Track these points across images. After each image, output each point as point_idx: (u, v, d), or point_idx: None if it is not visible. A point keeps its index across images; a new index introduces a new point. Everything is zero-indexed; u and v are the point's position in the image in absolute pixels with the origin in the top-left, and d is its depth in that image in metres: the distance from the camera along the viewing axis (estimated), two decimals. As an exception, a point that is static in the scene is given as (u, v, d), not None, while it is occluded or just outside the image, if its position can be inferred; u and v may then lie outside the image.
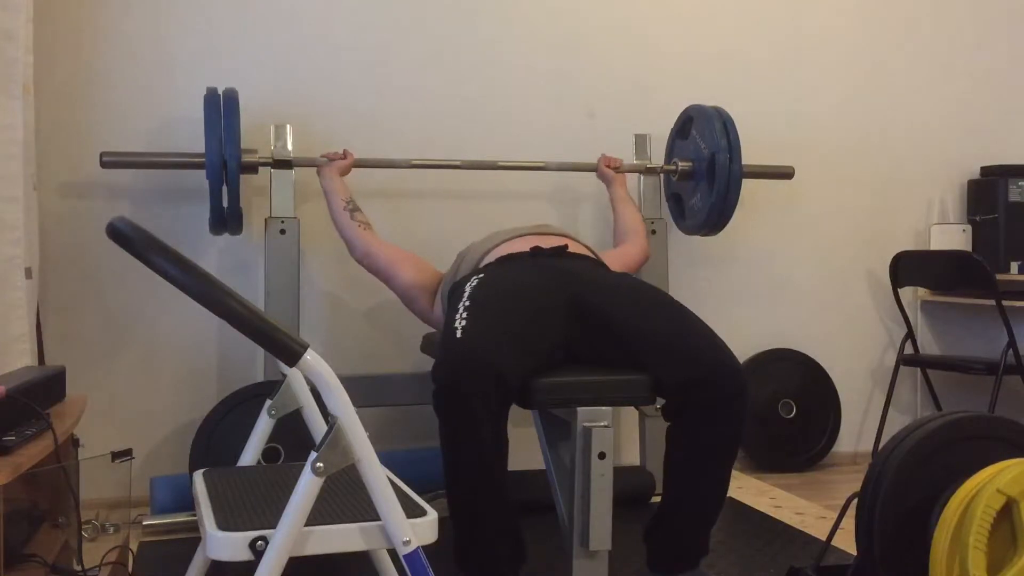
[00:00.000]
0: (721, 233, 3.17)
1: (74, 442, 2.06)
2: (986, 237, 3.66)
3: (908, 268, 3.48)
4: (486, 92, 3.30)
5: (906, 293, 3.64)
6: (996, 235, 3.63)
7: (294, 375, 1.81)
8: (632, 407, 3.11)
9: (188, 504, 2.61)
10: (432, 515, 1.42)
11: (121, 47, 3.00)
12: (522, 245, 2.37)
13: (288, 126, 2.90)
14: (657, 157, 3.26)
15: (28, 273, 2.44)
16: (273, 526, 1.34)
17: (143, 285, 2.96)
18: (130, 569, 2.20)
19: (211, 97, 2.72)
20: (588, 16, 3.40)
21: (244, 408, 2.61)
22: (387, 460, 1.46)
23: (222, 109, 2.69)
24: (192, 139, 2.85)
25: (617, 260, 2.70)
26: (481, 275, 2.20)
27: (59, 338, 2.90)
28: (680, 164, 3.15)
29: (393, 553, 1.45)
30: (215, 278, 1.31)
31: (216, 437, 2.63)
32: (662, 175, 3.23)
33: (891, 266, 3.49)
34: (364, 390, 2.76)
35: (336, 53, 3.17)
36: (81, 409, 2.11)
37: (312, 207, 3.00)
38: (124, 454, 2.09)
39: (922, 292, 3.74)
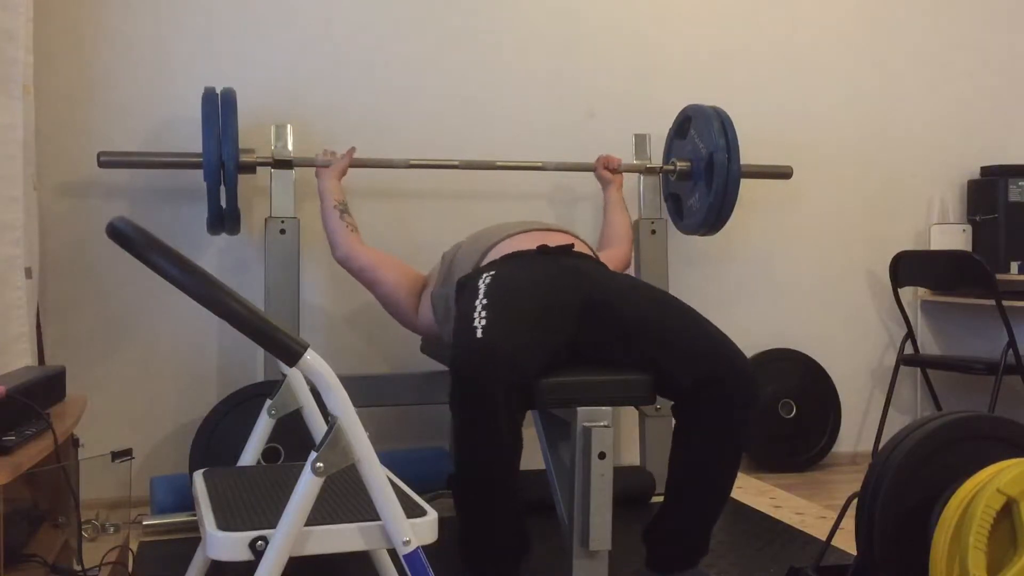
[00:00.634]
0: (720, 233, 3.17)
1: (74, 442, 2.06)
2: (986, 237, 3.66)
3: (908, 268, 3.48)
4: (486, 92, 3.30)
5: (906, 293, 3.63)
6: (996, 235, 3.63)
7: (294, 375, 1.81)
8: (632, 407, 3.11)
9: (188, 504, 2.62)
10: (432, 515, 1.42)
11: (121, 47, 3.00)
12: (528, 242, 2.35)
13: (288, 126, 2.91)
14: (657, 157, 3.26)
15: (28, 273, 2.44)
16: (273, 526, 1.34)
17: (143, 285, 2.96)
18: (130, 569, 2.20)
19: (209, 97, 2.71)
20: (588, 16, 3.40)
21: (244, 408, 2.60)
22: (387, 460, 1.46)
23: (220, 109, 2.69)
24: (192, 139, 2.85)
25: (608, 263, 2.70)
26: (493, 272, 2.18)
27: (59, 338, 2.90)
28: (678, 164, 3.14)
29: (393, 553, 1.45)
30: (215, 278, 1.31)
31: (216, 437, 2.63)
32: (661, 175, 3.23)
33: (891, 266, 3.49)
34: (364, 390, 2.76)
35: (336, 53, 3.17)
36: (81, 409, 2.11)
37: (312, 207, 3.00)
38: (124, 454, 2.09)
39: (922, 292, 3.74)
